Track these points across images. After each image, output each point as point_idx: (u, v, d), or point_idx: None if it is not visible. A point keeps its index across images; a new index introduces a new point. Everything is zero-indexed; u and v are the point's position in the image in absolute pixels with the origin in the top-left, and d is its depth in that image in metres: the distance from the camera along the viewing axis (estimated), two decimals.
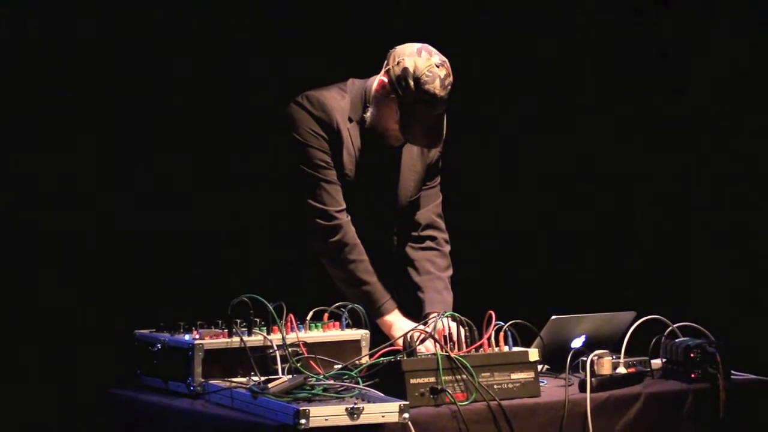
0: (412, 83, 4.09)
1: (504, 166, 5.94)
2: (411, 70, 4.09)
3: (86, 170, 4.99)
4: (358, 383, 3.49)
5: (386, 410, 3.31)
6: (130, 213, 5.06)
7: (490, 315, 3.70)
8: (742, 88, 5.79)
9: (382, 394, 3.41)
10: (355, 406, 3.27)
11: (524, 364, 3.70)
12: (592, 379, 3.74)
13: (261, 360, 3.64)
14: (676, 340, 3.97)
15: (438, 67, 4.11)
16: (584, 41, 5.89)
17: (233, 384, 3.51)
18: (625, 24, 5.88)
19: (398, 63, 4.13)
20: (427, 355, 3.63)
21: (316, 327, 3.83)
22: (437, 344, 3.62)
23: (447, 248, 4.42)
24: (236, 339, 3.65)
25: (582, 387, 3.73)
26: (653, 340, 4.02)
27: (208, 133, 5.19)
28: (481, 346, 3.70)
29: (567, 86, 5.90)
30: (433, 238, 4.40)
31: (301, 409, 3.21)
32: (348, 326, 3.89)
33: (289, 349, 3.65)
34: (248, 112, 5.20)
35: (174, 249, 5.09)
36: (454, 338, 3.68)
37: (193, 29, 5.16)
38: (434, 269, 4.34)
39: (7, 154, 4.87)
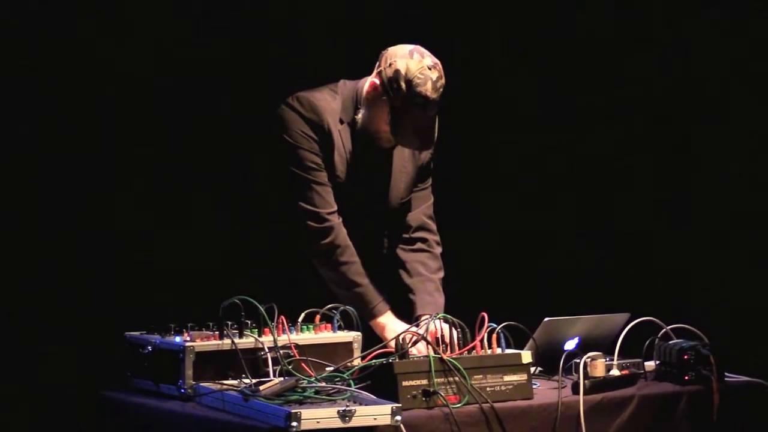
0: (403, 85, 4.08)
1: (501, 167, 5.93)
2: (403, 72, 4.08)
3: (85, 170, 4.98)
4: (350, 385, 3.48)
5: (378, 413, 3.30)
6: (127, 213, 5.05)
7: (483, 317, 3.69)
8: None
9: (374, 397, 3.40)
10: (347, 408, 3.26)
11: (517, 366, 3.68)
12: (586, 381, 3.72)
13: (252, 362, 3.63)
14: (670, 342, 3.96)
15: (430, 69, 4.09)
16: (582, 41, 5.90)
17: (224, 386, 3.50)
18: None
19: (390, 65, 4.11)
20: (420, 357, 3.62)
21: (308, 329, 3.82)
22: (429, 346, 3.60)
23: (438, 250, 4.40)
24: (227, 341, 3.64)
25: (575, 389, 3.72)
26: (647, 342, 4.01)
27: (204, 133, 5.18)
28: (473, 348, 3.69)
29: (566, 86, 5.89)
30: (424, 240, 4.39)
31: (293, 411, 3.20)
32: (340, 328, 3.88)
33: (281, 351, 3.64)
34: (245, 113, 5.18)
35: (165, 250, 5.08)
36: (447, 340, 3.67)
37: (192, 29, 5.15)
38: (425, 271, 4.33)
39: (7, 154, 4.87)
